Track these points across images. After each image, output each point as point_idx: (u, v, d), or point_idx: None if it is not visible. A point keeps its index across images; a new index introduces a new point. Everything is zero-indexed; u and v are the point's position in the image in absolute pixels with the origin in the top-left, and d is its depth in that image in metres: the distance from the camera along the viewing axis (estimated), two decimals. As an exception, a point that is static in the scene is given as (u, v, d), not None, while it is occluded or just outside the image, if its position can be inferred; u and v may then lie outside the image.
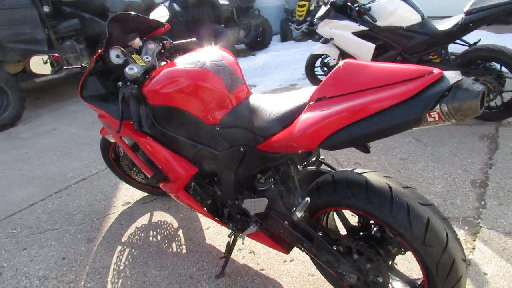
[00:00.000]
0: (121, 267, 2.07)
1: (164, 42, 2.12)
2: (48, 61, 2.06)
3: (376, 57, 3.83)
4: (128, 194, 2.82)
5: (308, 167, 1.70)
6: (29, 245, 2.33)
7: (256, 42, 8.05)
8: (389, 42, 3.69)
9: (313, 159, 1.73)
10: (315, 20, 4.35)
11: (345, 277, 1.45)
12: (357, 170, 1.42)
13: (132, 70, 1.81)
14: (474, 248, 1.98)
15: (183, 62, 1.70)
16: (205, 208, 1.85)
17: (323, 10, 4.14)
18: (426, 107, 1.01)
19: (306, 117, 1.23)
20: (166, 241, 2.25)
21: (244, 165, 1.59)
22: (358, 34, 3.84)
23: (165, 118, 1.76)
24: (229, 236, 1.78)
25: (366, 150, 1.52)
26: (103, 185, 2.98)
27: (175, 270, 2.02)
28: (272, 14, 9.07)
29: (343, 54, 4.16)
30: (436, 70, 1.05)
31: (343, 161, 3.03)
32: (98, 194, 2.86)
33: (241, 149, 1.54)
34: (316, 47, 4.54)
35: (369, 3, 3.83)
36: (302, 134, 1.21)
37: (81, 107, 5.17)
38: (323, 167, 1.76)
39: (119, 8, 5.86)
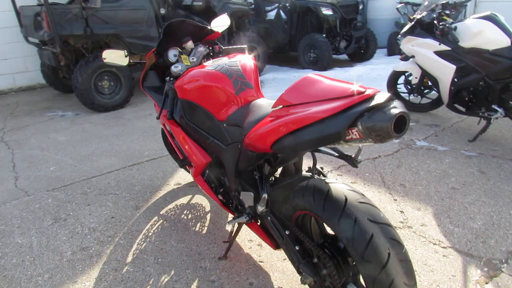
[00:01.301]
0: (150, 234, 2.42)
1: (214, 46, 2.42)
2: (128, 55, 2.51)
3: (458, 79, 3.59)
4: (182, 176, 3.20)
5: (303, 173, 1.82)
6: (93, 202, 2.86)
7: (358, 54, 7.96)
8: (472, 65, 3.43)
9: (309, 166, 1.83)
10: (399, 36, 4.24)
11: (303, 276, 1.55)
12: (329, 180, 1.50)
13: (177, 68, 2.15)
14: (482, 290, 1.85)
15: (209, 64, 1.96)
16: (215, 195, 2.09)
17: (408, 26, 4.01)
18: (345, 124, 1.09)
19: (264, 122, 1.38)
20: (193, 220, 2.55)
21: (241, 160, 1.78)
22: (440, 54, 3.65)
23: (188, 110, 2.04)
24: (229, 223, 1.98)
25: (354, 164, 1.60)
26: (166, 166, 3.43)
27: (189, 245, 2.29)
28: (382, 27, 8.84)
29: (425, 73, 3.98)
30: (369, 91, 1.11)
31: (389, 180, 2.96)
32: (160, 173, 3.31)
33: (238, 145, 1.73)
34: (400, 64, 4.42)
35: (457, 22, 3.60)
36: (258, 136, 1.37)
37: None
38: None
39: (226, 13, 6.42)
